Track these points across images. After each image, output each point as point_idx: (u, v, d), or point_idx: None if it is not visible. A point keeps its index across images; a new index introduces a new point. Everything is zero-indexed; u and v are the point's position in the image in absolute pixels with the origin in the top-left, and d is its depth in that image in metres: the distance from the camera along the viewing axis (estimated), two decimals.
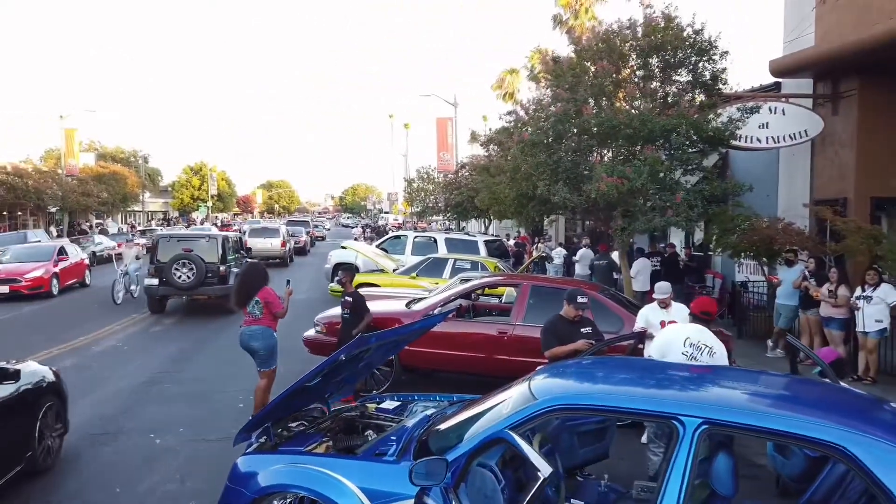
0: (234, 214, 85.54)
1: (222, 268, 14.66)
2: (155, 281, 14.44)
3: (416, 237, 18.46)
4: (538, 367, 4.36)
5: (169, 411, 7.81)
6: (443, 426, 3.93)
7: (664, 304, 6.80)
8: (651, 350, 5.31)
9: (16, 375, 5.57)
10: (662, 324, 6.58)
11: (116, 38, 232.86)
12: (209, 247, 14.92)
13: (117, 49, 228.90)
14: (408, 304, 8.86)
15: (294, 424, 4.61)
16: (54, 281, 17.85)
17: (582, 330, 6.05)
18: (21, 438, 5.53)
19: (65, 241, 22.71)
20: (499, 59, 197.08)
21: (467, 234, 21.04)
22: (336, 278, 11.37)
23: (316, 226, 52.08)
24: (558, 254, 18.64)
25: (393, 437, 3.96)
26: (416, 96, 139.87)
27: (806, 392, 3.67)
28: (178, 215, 72.33)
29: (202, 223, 56.05)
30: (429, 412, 4.43)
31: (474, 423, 3.63)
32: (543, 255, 18.14)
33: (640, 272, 13.70)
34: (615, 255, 15.03)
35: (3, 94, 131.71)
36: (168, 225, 55.63)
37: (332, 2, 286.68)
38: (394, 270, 14.74)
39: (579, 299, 6.02)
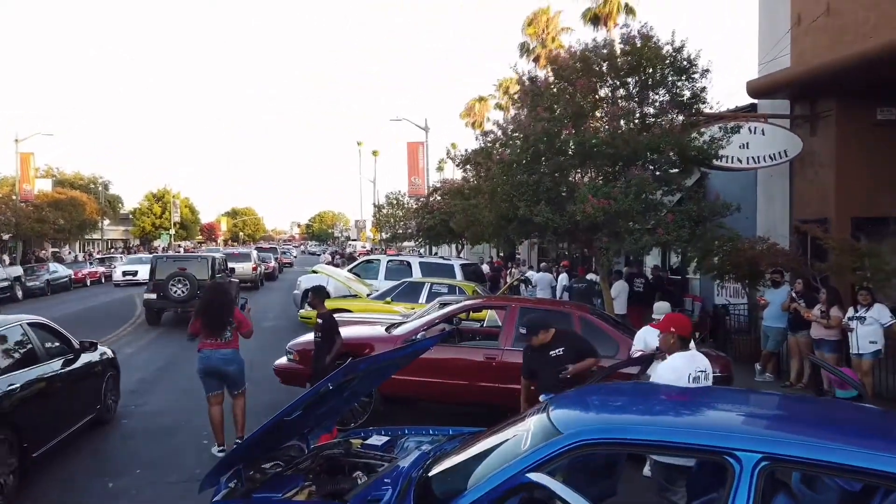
0: (199, 242, 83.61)
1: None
2: (154, 295, 16.56)
3: (389, 261, 17.87)
4: (548, 396, 3.89)
5: (125, 450, 7.11)
6: (445, 466, 3.41)
7: None
8: None
9: (95, 346, 7.73)
10: None
11: (77, 62, 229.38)
12: (200, 265, 17.23)
13: (78, 73, 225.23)
14: (387, 329, 8.33)
15: (268, 465, 4.03)
16: None
17: (551, 353, 5.71)
18: (95, 393, 7.61)
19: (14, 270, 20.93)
20: (466, 88, 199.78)
21: (442, 258, 20.57)
22: (307, 301, 10.88)
23: (283, 252, 51.45)
24: (532, 276, 18.36)
25: (387, 480, 3.42)
26: (384, 121, 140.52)
27: (862, 420, 3.25)
28: (140, 243, 70.26)
29: (164, 251, 54.51)
30: (424, 448, 3.90)
31: (484, 462, 3.13)
32: (521, 279, 17.78)
33: (619, 294, 13.46)
34: (592, 278, 14.76)
35: None
36: (129, 253, 53.77)
37: (295, 18, 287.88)
38: (368, 295, 14.16)
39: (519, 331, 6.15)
